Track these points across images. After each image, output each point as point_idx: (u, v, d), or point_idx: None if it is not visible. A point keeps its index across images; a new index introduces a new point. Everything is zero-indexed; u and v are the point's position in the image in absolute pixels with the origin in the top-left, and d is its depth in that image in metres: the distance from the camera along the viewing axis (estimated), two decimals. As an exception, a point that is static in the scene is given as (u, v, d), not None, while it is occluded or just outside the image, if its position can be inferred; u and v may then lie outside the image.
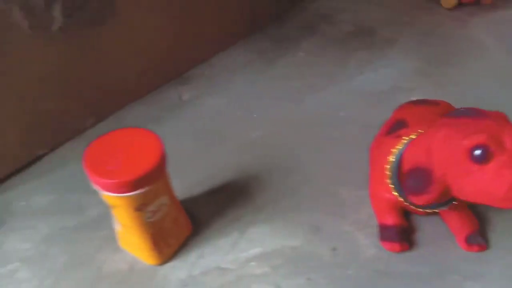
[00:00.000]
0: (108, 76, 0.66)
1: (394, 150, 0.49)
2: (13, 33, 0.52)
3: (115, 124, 0.68)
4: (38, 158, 0.63)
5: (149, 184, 0.42)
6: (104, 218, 0.52)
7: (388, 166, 0.49)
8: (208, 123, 0.69)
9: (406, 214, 0.53)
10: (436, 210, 0.50)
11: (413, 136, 0.48)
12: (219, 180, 0.59)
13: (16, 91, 0.56)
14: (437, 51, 0.83)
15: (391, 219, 0.51)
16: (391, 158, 0.49)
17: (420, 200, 0.44)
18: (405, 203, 0.49)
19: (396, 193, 0.49)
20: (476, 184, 0.39)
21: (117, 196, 0.42)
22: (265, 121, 0.69)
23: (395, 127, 0.53)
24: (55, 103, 0.61)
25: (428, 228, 0.52)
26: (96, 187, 0.42)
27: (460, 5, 0.94)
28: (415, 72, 0.78)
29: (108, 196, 0.43)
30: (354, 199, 0.56)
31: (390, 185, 0.50)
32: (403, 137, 0.49)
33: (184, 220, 0.51)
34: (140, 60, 0.70)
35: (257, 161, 0.62)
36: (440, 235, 0.51)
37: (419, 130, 0.48)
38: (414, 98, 0.70)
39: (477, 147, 0.38)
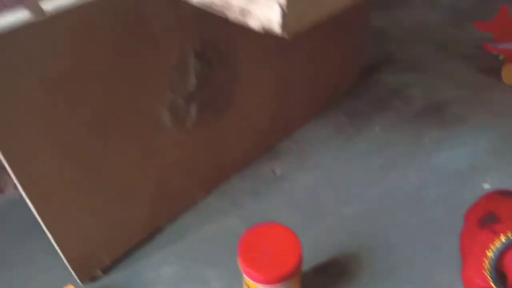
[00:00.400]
0: (221, 155, 0.75)
1: (492, 247, 0.55)
2: (158, 129, 0.62)
3: (222, 197, 0.77)
4: (160, 229, 0.72)
5: (291, 278, 0.49)
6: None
7: (487, 261, 0.55)
8: (302, 199, 0.77)
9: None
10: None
11: (511, 236, 0.55)
12: (320, 257, 0.67)
13: (154, 171, 0.65)
14: (507, 131, 0.89)
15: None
16: (490, 255, 0.55)
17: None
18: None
19: (493, 285, 0.55)
20: None
21: (262, 285, 0.50)
22: (353, 199, 0.76)
23: (488, 220, 0.60)
24: (180, 181, 0.70)
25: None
26: (245, 274, 0.50)
27: (522, 81, 1.00)
28: (489, 152, 0.84)
29: (251, 284, 0.50)
30: (448, 283, 0.62)
31: (487, 276, 0.56)
32: (501, 235, 0.56)
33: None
34: (245, 138, 0.79)
35: (353, 239, 0.69)
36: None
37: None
38: (489, 179, 0.77)
39: None
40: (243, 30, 0.45)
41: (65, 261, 0.60)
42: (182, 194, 0.73)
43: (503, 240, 0.55)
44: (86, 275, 0.64)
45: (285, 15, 0.35)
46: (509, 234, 0.55)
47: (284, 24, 0.35)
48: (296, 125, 0.92)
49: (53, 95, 0.47)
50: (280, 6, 0.34)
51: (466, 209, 0.68)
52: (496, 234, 0.56)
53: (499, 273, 0.54)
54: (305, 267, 0.65)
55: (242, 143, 0.79)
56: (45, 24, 0.43)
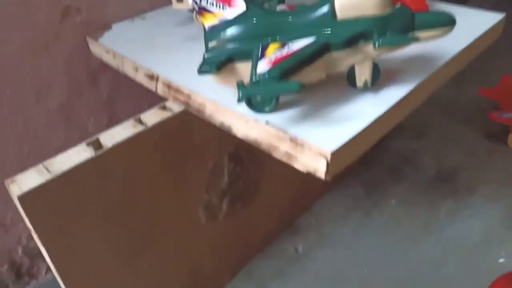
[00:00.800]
0: (247, 238, 0.79)
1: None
2: (194, 224, 0.66)
3: (248, 279, 0.80)
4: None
5: None
6: None
7: None
8: (325, 278, 0.80)
9: None
10: None
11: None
12: None
13: (187, 261, 0.68)
14: (516, 202, 0.93)
15: None
16: None
17: None
18: None
19: None
20: None
21: None
22: (375, 277, 0.79)
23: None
24: (210, 267, 0.73)
25: None
26: None
27: (527, 147, 1.05)
28: (500, 224, 0.88)
29: None
30: None
31: None
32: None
33: None
34: (269, 218, 0.83)
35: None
36: None
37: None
38: (503, 253, 0.80)
39: None
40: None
41: None
42: (212, 279, 0.76)
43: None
44: None
45: (329, 165, 0.39)
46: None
47: (328, 172, 0.40)
48: (316, 197, 0.96)
49: (107, 213, 0.51)
50: (326, 160, 0.39)
51: (486, 288, 0.71)
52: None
53: None
54: None
55: (266, 224, 0.83)
56: (103, 158, 0.47)
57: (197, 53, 0.45)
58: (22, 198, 0.42)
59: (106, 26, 0.70)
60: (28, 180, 0.44)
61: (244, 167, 0.69)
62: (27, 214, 0.43)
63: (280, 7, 0.51)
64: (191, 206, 0.63)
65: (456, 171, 1.02)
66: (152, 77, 0.55)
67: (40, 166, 0.46)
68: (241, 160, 0.68)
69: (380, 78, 0.46)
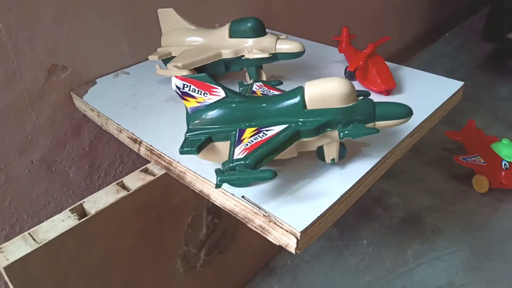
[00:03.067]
0: (223, 282, 0.81)
1: None
2: (172, 275, 0.68)
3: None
4: None
5: None
6: None
7: None
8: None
9: None
10: None
11: None
12: None
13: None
14: (479, 243, 0.98)
15: None
16: None
17: None
18: None
19: None
20: None
21: None
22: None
23: None
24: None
25: None
26: None
27: (490, 189, 1.11)
28: (463, 266, 0.93)
29: None
30: None
31: None
32: None
33: None
34: (245, 261, 0.85)
35: None
36: None
37: None
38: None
39: None
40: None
41: None
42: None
43: None
44: None
45: (299, 242, 0.43)
46: None
47: (298, 248, 0.43)
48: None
49: (89, 276, 0.53)
50: (296, 237, 0.42)
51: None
52: None
53: None
54: None
55: (241, 267, 0.86)
56: (86, 225, 0.50)
57: (179, 116, 0.48)
58: (8, 269, 0.45)
59: (91, 81, 0.73)
60: (14, 249, 0.46)
61: (222, 218, 0.72)
62: (12, 283, 0.45)
63: (256, 85, 0.55)
64: (169, 259, 0.65)
65: (423, 212, 1.07)
66: (135, 141, 0.58)
67: (26, 234, 0.48)
68: (219, 211, 0.71)
69: (346, 154, 0.50)
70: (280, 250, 0.97)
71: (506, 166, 1.04)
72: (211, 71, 0.66)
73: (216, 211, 0.70)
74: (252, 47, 0.63)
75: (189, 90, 0.46)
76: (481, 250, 0.97)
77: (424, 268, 0.93)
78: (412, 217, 1.07)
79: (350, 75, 0.69)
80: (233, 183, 0.45)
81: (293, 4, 1.14)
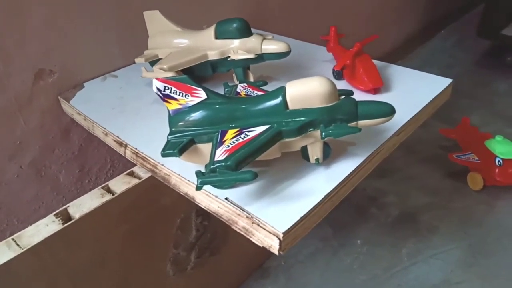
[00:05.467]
0: (215, 284, 0.81)
1: None
2: (162, 278, 0.68)
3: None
4: None
5: None
6: None
7: None
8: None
9: None
10: None
11: None
12: None
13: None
14: (474, 241, 0.98)
15: None
16: None
17: None
18: None
19: None
20: None
21: None
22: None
23: None
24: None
25: None
26: None
27: (484, 186, 1.11)
28: (459, 264, 0.93)
29: None
30: None
31: None
32: None
33: None
34: (238, 263, 0.85)
35: None
36: None
37: None
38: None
39: None
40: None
41: None
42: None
43: None
44: None
45: (282, 243, 0.43)
46: None
47: (281, 249, 0.43)
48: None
49: (76, 282, 0.53)
50: (279, 239, 0.42)
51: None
52: None
53: None
54: None
55: (234, 269, 0.85)
56: (71, 229, 0.50)
57: (166, 119, 0.48)
58: (-9, 275, 0.44)
59: (78, 85, 0.72)
60: (-3, 255, 0.46)
61: (212, 220, 0.72)
62: (-4, 289, 0.45)
63: (240, 85, 0.55)
64: (159, 263, 0.65)
65: (418, 211, 1.07)
66: (121, 144, 0.57)
67: (10, 239, 0.48)
68: (208, 213, 0.70)
69: (331, 153, 0.50)
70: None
71: (500, 163, 1.03)
72: (198, 72, 0.66)
73: (205, 213, 0.70)
74: (238, 48, 0.63)
75: (170, 92, 0.46)
76: (476, 247, 0.96)
77: (420, 266, 0.93)
78: (407, 215, 1.06)
79: (337, 74, 0.68)
80: (214, 185, 0.45)
81: (287, 3, 1.13)
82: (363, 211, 1.07)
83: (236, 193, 0.46)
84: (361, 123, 0.45)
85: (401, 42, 1.83)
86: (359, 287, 0.89)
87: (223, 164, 0.41)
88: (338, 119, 0.43)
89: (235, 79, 0.68)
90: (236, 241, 0.81)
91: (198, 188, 0.41)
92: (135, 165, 0.59)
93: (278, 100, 0.44)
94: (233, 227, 0.47)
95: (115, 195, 0.53)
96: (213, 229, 0.73)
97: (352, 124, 0.45)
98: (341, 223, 1.04)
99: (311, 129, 0.44)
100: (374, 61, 0.68)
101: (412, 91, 0.65)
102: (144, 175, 0.56)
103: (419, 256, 0.95)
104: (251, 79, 0.67)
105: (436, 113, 1.30)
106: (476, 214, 1.05)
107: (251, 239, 0.45)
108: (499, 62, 1.72)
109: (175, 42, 0.67)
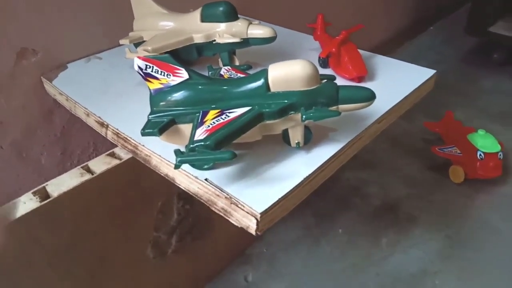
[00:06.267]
0: (197, 269, 0.81)
1: None
2: (142, 261, 0.68)
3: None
4: None
5: None
6: None
7: None
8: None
9: None
10: None
11: None
12: None
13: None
14: (454, 232, 1.00)
15: None
16: None
17: None
18: None
19: None
20: None
21: None
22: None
23: None
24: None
25: None
26: None
27: (466, 179, 1.13)
28: (437, 254, 0.94)
29: None
30: None
31: None
32: None
33: None
34: (220, 248, 0.86)
35: None
36: None
37: None
38: (438, 282, 0.86)
39: None
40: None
41: None
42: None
43: None
44: None
45: (259, 223, 0.43)
46: None
47: (258, 229, 0.43)
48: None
49: (55, 260, 0.53)
50: (256, 219, 0.42)
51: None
52: None
53: None
54: None
55: (216, 254, 0.86)
56: (49, 207, 0.50)
57: (148, 101, 0.47)
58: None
59: (62, 66, 0.72)
60: (-27, 231, 0.45)
61: (194, 204, 0.72)
62: (-30, 265, 0.45)
63: (224, 68, 0.55)
64: (139, 245, 0.65)
65: (400, 202, 1.08)
66: (102, 124, 0.57)
67: (-14, 216, 0.47)
68: (191, 197, 0.70)
69: (312, 138, 0.50)
70: (256, 238, 0.97)
71: (481, 157, 1.05)
72: (183, 56, 0.66)
73: (187, 197, 0.70)
74: (223, 32, 0.63)
75: (151, 71, 0.45)
76: (455, 238, 0.98)
77: (398, 256, 0.95)
78: (388, 206, 1.07)
79: (323, 62, 0.69)
80: (192, 164, 0.45)
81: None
82: (345, 201, 1.09)
83: (216, 174, 0.46)
84: (342, 107, 0.45)
85: (390, 37, 1.84)
86: (339, 275, 0.90)
87: (203, 143, 0.41)
88: (319, 103, 0.44)
89: (220, 63, 0.68)
90: (218, 227, 0.81)
91: (177, 166, 0.41)
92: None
93: (260, 82, 0.44)
94: (213, 208, 0.47)
95: (95, 174, 0.52)
96: (196, 213, 0.74)
97: (332, 108, 0.45)
98: (323, 212, 1.05)
99: (292, 112, 0.44)
100: (360, 50, 0.68)
101: (395, 80, 0.66)
102: (125, 156, 0.56)
103: (398, 246, 0.97)
104: (237, 63, 0.67)
105: (422, 107, 1.32)
106: (456, 206, 1.07)
107: (230, 219, 0.45)
108: (486, 59, 1.74)
109: (161, 24, 0.67)
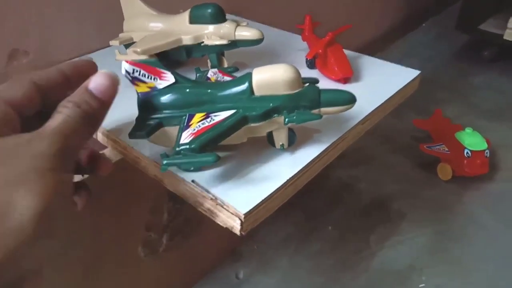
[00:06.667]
0: (188, 267, 0.83)
1: None
2: (133, 260, 0.69)
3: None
4: None
5: None
6: None
7: None
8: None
9: None
10: None
11: None
12: None
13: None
14: (442, 228, 1.02)
15: None
16: None
17: None
18: None
19: None
20: None
21: None
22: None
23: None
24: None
25: None
26: None
27: (454, 177, 1.14)
28: (424, 250, 0.96)
29: None
30: None
31: None
32: None
33: None
34: (211, 246, 0.87)
35: None
36: None
37: None
38: (424, 278, 0.88)
39: None
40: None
41: None
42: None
43: None
44: None
45: (243, 224, 0.44)
46: None
47: (242, 229, 0.45)
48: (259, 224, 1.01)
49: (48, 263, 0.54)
50: (240, 219, 0.44)
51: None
52: None
53: None
54: None
55: (207, 253, 0.87)
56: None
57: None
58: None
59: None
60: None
61: (184, 204, 0.73)
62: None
63: (211, 71, 0.56)
64: (130, 245, 0.66)
65: (389, 198, 1.10)
66: (92, 126, 0.58)
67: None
68: (181, 197, 0.72)
69: (296, 140, 0.51)
70: (247, 236, 0.99)
71: (468, 155, 1.07)
72: (173, 57, 0.67)
73: (178, 197, 0.71)
74: (211, 34, 0.64)
75: (139, 75, 0.46)
76: (442, 234, 1.00)
77: (387, 252, 0.96)
78: (378, 202, 1.09)
79: (310, 63, 0.70)
80: (178, 167, 0.46)
81: (265, -9, 1.14)
82: (335, 198, 1.10)
83: (202, 176, 0.48)
84: (324, 110, 0.46)
85: (383, 33, 1.86)
86: (328, 271, 0.92)
87: (188, 146, 0.42)
88: (301, 106, 0.45)
89: (209, 64, 0.69)
90: (209, 226, 0.83)
91: (163, 169, 0.43)
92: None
93: (244, 86, 0.45)
94: (199, 209, 0.48)
95: (85, 176, 0.53)
96: (186, 212, 0.75)
97: (314, 111, 0.46)
98: (314, 209, 1.07)
99: (275, 115, 0.45)
100: (346, 51, 0.70)
101: (380, 81, 0.67)
102: (115, 157, 0.57)
103: (387, 242, 0.99)
104: (225, 65, 0.68)
105: (412, 104, 1.33)
106: (444, 203, 1.09)
107: (216, 220, 0.47)
108: (477, 56, 1.76)
109: (151, 25, 0.68)
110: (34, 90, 0.35)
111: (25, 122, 0.34)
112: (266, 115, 0.45)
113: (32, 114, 0.35)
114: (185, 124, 0.45)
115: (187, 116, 0.46)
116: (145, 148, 0.52)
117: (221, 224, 0.46)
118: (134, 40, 0.68)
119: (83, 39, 0.77)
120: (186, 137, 0.43)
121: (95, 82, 0.36)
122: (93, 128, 0.36)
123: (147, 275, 0.73)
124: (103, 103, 0.37)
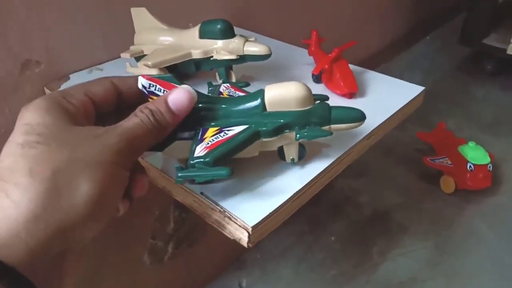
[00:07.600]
0: (192, 275, 0.84)
1: None
2: (139, 267, 0.70)
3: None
4: None
5: None
6: None
7: None
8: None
9: None
10: None
11: None
12: None
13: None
14: (442, 240, 1.02)
15: None
16: None
17: None
18: None
19: None
20: None
21: None
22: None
23: None
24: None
25: None
26: None
27: (456, 190, 1.16)
28: (426, 262, 0.97)
29: None
30: None
31: None
32: None
33: None
34: (215, 254, 0.88)
35: None
36: None
37: None
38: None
39: None
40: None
41: None
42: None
43: None
44: None
45: (250, 236, 0.45)
46: None
47: (250, 241, 0.46)
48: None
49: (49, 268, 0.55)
50: (248, 232, 0.45)
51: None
52: None
53: None
54: None
55: (211, 261, 0.88)
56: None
57: None
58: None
59: (64, 77, 0.74)
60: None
61: (190, 213, 0.75)
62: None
63: (224, 86, 0.58)
64: (136, 252, 0.68)
65: (391, 210, 1.11)
66: (103, 136, 0.59)
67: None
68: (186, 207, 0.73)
69: (306, 154, 0.53)
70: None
71: (471, 168, 1.08)
72: (182, 70, 0.69)
73: (184, 206, 0.72)
74: (220, 49, 0.66)
75: (155, 89, 0.48)
76: (444, 247, 1.01)
77: (388, 264, 0.97)
78: (380, 215, 1.10)
79: (316, 78, 0.71)
80: (193, 180, 0.47)
81: (275, 5, 1.16)
82: (338, 209, 1.11)
83: (211, 188, 0.49)
84: (334, 127, 0.48)
85: (387, 45, 1.87)
86: (330, 282, 0.93)
87: (202, 160, 0.43)
88: (312, 122, 0.46)
89: (218, 77, 0.70)
90: (213, 234, 0.84)
91: (178, 182, 0.44)
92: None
93: (257, 102, 0.47)
94: (207, 220, 0.49)
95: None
96: (191, 221, 0.76)
97: (325, 128, 0.48)
98: (316, 220, 1.08)
99: (286, 131, 0.47)
100: (352, 66, 0.71)
101: (384, 97, 0.68)
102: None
103: (388, 254, 0.99)
104: (233, 78, 0.70)
105: (415, 116, 1.34)
106: (446, 215, 1.10)
107: (223, 232, 0.48)
108: (479, 69, 1.77)
109: (161, 39, 0.69)
110: (113, 92, 0.39)
111: (98, 118, 0.38)
112: (278, 131, 0.46)
113: (106, 112, 0.39)
114: (199, 138, 0.46)
115: (201, 130, 0.47)
116: (155, 160, 0.53)
117: (228, 235, 0.47)
118: (145, 53, 0.69)
119: (93, 51, 0.78)
120: (200, 150, 0.44)
121: (174, 97, 0.40)
122: (159, 137, 0.40)
123: (152, 282, 0.74)
124: (176, 117, 0.40)
